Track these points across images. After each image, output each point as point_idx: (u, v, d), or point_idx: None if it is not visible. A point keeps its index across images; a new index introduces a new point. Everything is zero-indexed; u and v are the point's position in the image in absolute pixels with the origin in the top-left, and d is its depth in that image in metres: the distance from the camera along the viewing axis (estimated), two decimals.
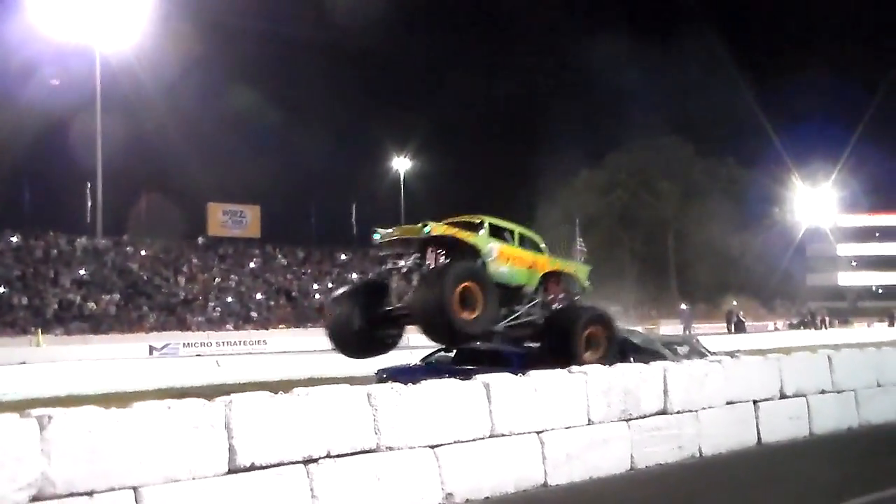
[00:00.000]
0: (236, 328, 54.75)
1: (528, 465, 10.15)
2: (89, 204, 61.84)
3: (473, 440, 9.74)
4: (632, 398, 11.53)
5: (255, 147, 65.24)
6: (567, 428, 10.66)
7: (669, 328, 58.14)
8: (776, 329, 76.10)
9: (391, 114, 74.63)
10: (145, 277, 57.73)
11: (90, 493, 7.12)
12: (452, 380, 10.09)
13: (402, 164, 79.04)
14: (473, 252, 16.29)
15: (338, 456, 8.61)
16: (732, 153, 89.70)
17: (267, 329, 54.57)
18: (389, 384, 9.73)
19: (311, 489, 8.33)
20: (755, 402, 13.35)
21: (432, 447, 9.36)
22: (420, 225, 16.17)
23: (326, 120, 74.39)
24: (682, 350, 17.77)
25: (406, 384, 9.68)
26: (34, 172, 61.73)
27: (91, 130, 57.99)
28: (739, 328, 68.43)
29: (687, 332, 54.93)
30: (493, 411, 10.00)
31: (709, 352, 17.86)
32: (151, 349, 46.13)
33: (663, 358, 15.28)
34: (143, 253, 61.20)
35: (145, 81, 59.19)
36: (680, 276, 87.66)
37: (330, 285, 63.75)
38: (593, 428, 10.94)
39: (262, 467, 8.12)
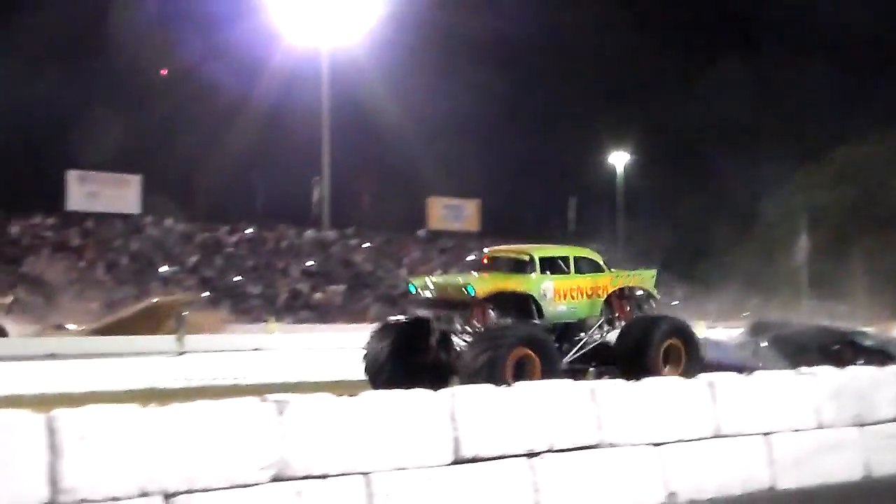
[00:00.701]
0: None
1: (754, 467, 9.86)
2: (316, 198, 63.90)
3: (697, 439, 9.53)
4: (865, 402, 10.97)
5: (474, 142, 65.79)
6: (795, 431, 10.29)
7: None
8: None
9: (610, 108, 73.81)
10: (368, 269, 59.33)
11: (324, 477, 7.37)
12: (677, 378, 9.93)
13: (619, 159, 78.11)
14: (526, 300, 15.21)
15: (560, 451, 8.61)
16: None
17: None
18: (612, 380, 9.66)
19: (534, 482, 8.36)
20: None
21: (655, 445, 9.22)
22: (459, 283, 15.30)
23: (544, 115, 74.35)
24: None
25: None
26: (267, 168, 64.24)
27: (318, 128, 59.93)
28: None
29: None
30: (717, 411, 9.77)
31: None
32: None
33: None
34: (366, 245, 62.92)
35: (370, 79, 60.65)
36: None
37: None
38: (823, 432, 10.49)
39: (485, 459, 8.20)
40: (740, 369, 11.49)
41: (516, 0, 66.53)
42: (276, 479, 7.14)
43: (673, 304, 69.11)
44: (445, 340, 15.35)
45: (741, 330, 23.26)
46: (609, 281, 16.26)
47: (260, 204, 65.10)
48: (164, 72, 62.60)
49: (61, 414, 6.43)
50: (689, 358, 15.28)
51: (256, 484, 7.05)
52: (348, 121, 61.06)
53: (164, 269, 54.64)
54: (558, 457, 8.56)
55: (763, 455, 9.95)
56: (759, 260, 66.04)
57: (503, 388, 8.69)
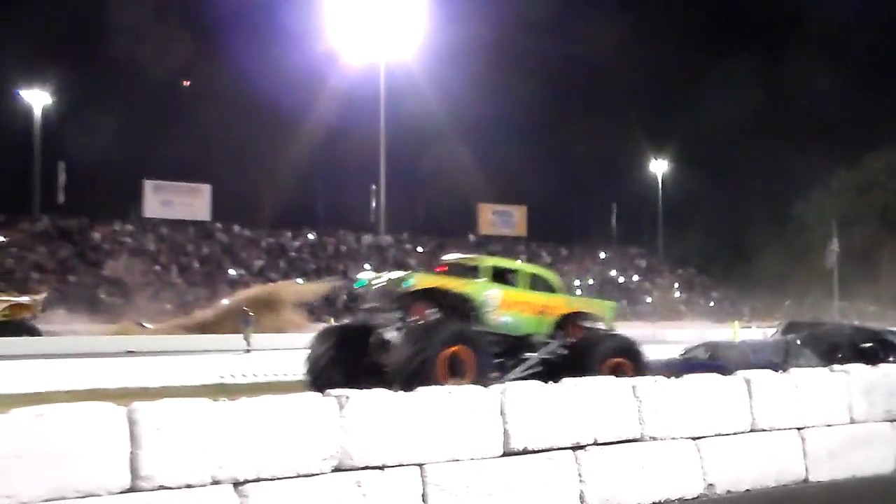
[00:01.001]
0: None
1: (788, 460, 9.74)
2: (373, 204, 64.24)
3: (734, 433, 9.43)
4: None
5: (523, 152, 65.79)
6: (828, 426, 10.14)
7: None
8: None
9: (651, 118, 73.47)
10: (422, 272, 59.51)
11: (382, 468, 7.39)
12: (714, 374, 9.84)
13: (659, 167, 77.66)
14: (468, 303, 14.34)
15: (604, 444, 8.57)
16: None
17: None
18: (653, 377, 9.60)
19: (579, 474, 8.33)
20: None
21: (694, 439, 9.14)
22: (401, 277, 14.46)
23: (589, 125, 74.06)
24: None
25: (668, 377, 9.53)
26: (327, 176, 64.71)
27: (376, 139, 60.26)
28: None
29: None
30: (753, 406, 9.65)
31: None
32: None
33: None
34: (419, 249, 63.08)
35: (423, 93, 60.89)
36: None
37: (591, 281, 63.57)
38: (855, 427, 10.33)
39: (533, 451, 8.17)
40: (775, 367, 11.36)
41: (560, 16, 66.36)
42: (337, 470, 7.17)
43: (709, 305, 68.74)
44: (385, 343, 14.25)
45: (775, 329, 23.02)
46: (562, 303, 15.51)
47: (321, 211, 65.57)
48: (188, 83, 63.08)
49: (140, 406, 6.51)
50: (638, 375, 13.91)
51: (319, 474, 7.08)
52: (403, 132, 61.36)
53: (232, 272, 55.15)
54: (602, 449, 8.52)
55: (797, 449, 9.83)
56: (791, 262, 65.35)
57: (549, 384, 8.66)
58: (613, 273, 70.27)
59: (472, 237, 68.67)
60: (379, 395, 7.67)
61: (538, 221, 71.42)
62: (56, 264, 51.23)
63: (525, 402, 8.28)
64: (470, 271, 15.05)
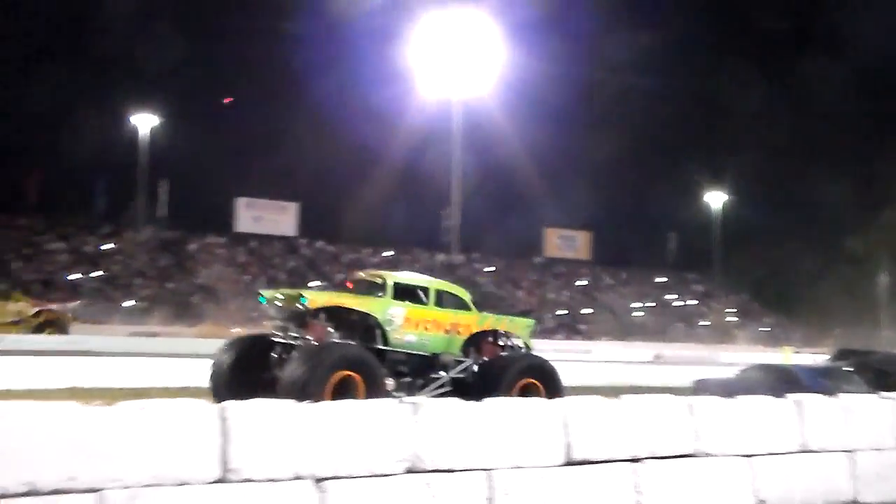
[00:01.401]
0: (566, 338, 55.15)
1: (837, 480, 9.49)
2: (447, 225, 64.41)
3: (785, 453, 9.23)
4: None
5: (588, 179, 65.52)
6: (876, 449, 9.89)
7: None
8: None
9: (708, 150, 72.67)
10: (491, 290, 59.45)
11: (450, 471, 7.38)
12: (766, 396, 9.67)
13: (715, 198, 76.55)
14: (368, 321, 13.28)
15: (660, 458, 8.45)
16: None
17: (592, 340, 54.54)
18: (708, 396, 9.46)
19: (636, 485, 8.23)
20: None
21: (746, 456, 8.96)
22: (295, 294, 13.16)
23: (650, 157, 73.57)
24: None
25: (722, 397, 9.39)
26: (404, 198, 65.06)
27: (450, 163, 60.59)
28: None
29: None
30: (804, 428, 9.45)
31: None
32: None
33: None
34: (489, 269, 63.10)
35: (496, 124, 61.06)
36: None
37: (650, 304, 63.01)
38: None
39: (593, 462, 8.09)
40: (826, 391, 11.12)
41: (622, 50, 65.99)
42: (409, 472, 7.19)
43: (762, 330, 67.48)
44: (282, 360, 13.09)
45: (826, 356, 22.53)
46: (474, 321, 14.24)
47: (397, 230, 66.00)
48: (229, 100, 63.77)
49: (231, 405, 6.61)
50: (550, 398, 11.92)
51: (392, 474, 7.10)
52: (476, 158, 61.65)
53: (314, 284, 55.68)
54: (659, 463, 8.40)
55: (846, 470, 9.59)
56: (842, 292, 63.91)
57: (610, 399, 8.57)
58: (670, 297, 69.40)
59: (538, 259, 68.49)
60: (450, 402, 7.68)
61: (602, 247, 71.03)
62: (156, 271, 52.28)
63: (587, 415, 8.21)
64: (374, 287, 13.83)
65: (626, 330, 57.92)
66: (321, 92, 59.78)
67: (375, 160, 61.33)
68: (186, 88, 58.81)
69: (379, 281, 13.84)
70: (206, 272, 53.18)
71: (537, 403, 8.13)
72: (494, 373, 13.46)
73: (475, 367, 13.99)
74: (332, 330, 13.08)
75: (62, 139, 54.30)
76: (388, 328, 13.30)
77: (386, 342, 13.38)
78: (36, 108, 54.13)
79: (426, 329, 13.66)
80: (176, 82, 58.46)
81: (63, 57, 59.73)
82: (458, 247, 63.55)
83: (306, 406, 6.94)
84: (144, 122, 58.17)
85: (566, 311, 60.63)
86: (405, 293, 13.73)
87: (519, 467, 7.69)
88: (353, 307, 13.25)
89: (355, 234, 62.75)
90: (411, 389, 13.15)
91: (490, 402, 7.91)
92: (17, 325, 33.65)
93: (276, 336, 13.35)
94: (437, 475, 7.31)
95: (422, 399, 7.55)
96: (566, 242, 70.61)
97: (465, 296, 14.45)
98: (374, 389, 12.08)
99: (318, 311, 12.93)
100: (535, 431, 7.88)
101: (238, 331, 14.30)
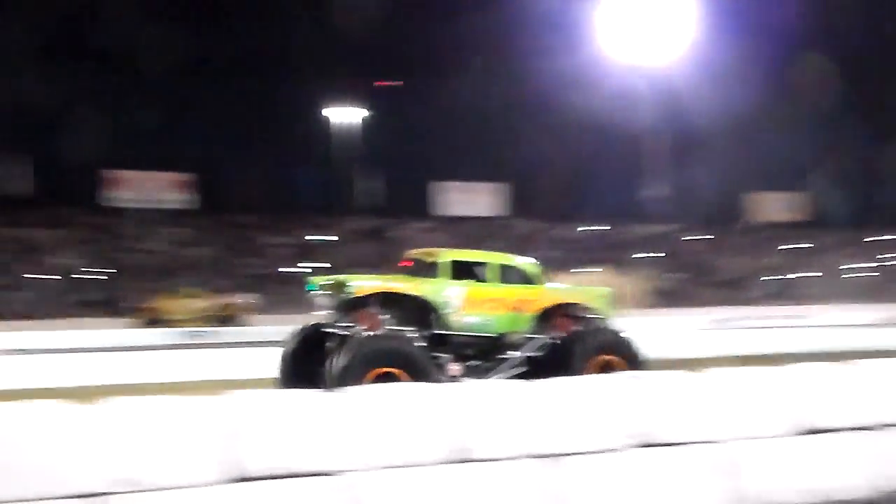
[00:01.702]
0: (781, 304, 53.21)
1: None
2: (650, 195, 63.31)
3: None
4: None
5: (799, 140, 62.51)
6: None
7: None
8: None
9: None
10: (702, 259, 58.54)
11: (679, 444, 7.31)
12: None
13: None
14: (424, 306, 12.26)
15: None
16: None
17: (807, 304, 52.33)
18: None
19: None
20: None
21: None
22: (342, 281, 12.18)
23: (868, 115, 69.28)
24: None
25: None
26: (607, 170, 64.26)
27: (652, 130, 59.59)
28: None
29: None
30: None
31: None
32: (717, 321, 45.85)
33: None
34: (694, 237, 62.14)
35: (691, 88, 59.40)
36: None
37: (870, 265, 60.05)
38: None
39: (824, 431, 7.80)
40: None
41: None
42: (640, 446, 7.16)
43: None
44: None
45: None
46: (541, 295, 13.04)
47: (602, 203, 65.39)
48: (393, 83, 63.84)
49: (461, 389, 6.80)
50: None
51: (620, 449, 7.11)
52: (680, 126, 60.29)
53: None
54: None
55: None
56: None
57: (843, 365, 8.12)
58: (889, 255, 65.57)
59: (746, 223, 66.29)
60: (673, 375, 7.58)
61: (816, 208, 67.74)
62: (368, 258, 54.19)
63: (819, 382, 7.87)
64: (428, 268, 12.78)
65: (846, 293, 55.14)
66: (519, 67, 60.20)
67: (575, 132, 61.06)
68: (388, 74, 60.65)
69: (432, 260, 12.81)
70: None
71: (764, 373, 7.88)
72: (567, 350, 12.44)
73: (549, 344, 12.95)
74: (385, 317, 12.20)
75: (273, 136, 57.38)
76: (445, 311, 12.33)
77: (445, 326, 12.42)
78: (249, 112, 57.41)
79: (489, 308, 12.64)
80: (377, 70, 60.36)
81: (272, 52, 62.53)
82: (667, 216, 62.49)
83: (534, 383, 7.03)
84: (350, 114, 60.53)
85: (779, 276, 58.47)
86: (463, 271, 12.73)
87: (754, 438, 7.49)
88: (405, 292, 12.27)
89: (560, 210, 62.67)
90: (480, 373, 12.34)
91: (713, 373, 7.74)
92: (204, 318, 36.40)
93: (329, 326, 12.45)
94: (666, 448, 7.25)
95: (644, 372, 7.48)
96: (777, 205, 68.04)
97: (533, 269, 13.31)
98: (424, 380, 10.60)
99: (368, 297, 12.10)
100: (763, 402, 7.66)
101: None
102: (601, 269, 51.52)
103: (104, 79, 56.70)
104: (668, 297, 50.89)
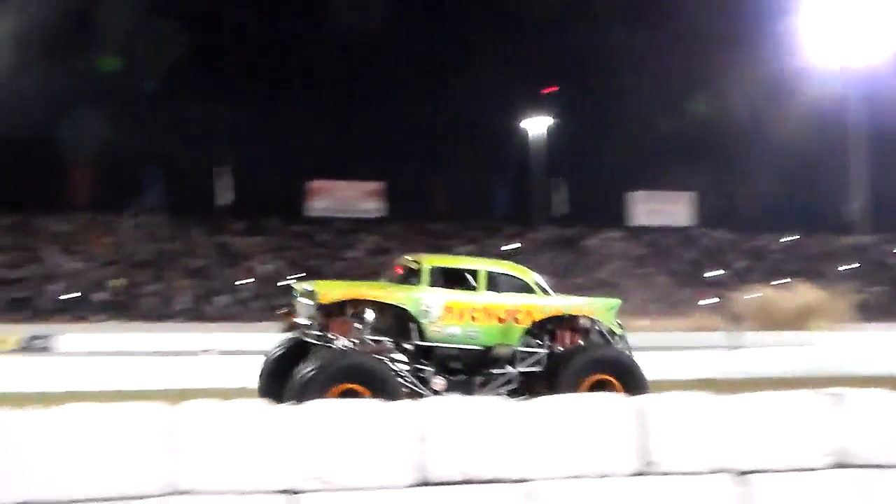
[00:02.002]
0: None
1: None
2: (852, 204, 60.27)
3: None
4: None
5: None
6: None
7: None
8: None
9: None
10: None
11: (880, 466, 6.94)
12: None
13: None
14: (400, 315, 11.43)
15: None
16: None
17: None
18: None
19: None
20: None
21: None
22: (310, 287, 11.43)
23: None
24: None
25: None
26: (802, 180, 61.73)
27: (850, 137, 56.69)
28: None
29: None
30: None
31: None
32: None
33: None
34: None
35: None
36: None
37: None
38: None
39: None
40: None
41: None
42: (837, 466, 6.83)
43: None
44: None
45: None
46: (536, 305, 11.97)
47: (795, 213, 62.89)
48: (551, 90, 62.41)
49: (648, 400, 6.69)
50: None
51: (816, 469, 6.80)
52: (878, 131, 57.19)
53: (709, 273, 54.70)
54: None
55: None
56: None
57: None
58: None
59: None
60: (879, 393, 7.18)
61: None
62: (556, 268, 54.05)
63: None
64: (412, 274, 11.97)
65: None
66: (708, 73, 58.84)
67: (768, 140, 59.08)
68: (573, 86, 60.55)
69: (415, 266, 11.99)
70: (607, 266, 54.11)
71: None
72: (557, 366, 11.52)
73: (544, 359, 12.04)
74: (358, 326, 11.43)
75: (462, 148, 58.44)
76: (423, 320, 11.49)
77: (425, 336, 11.59)
78: (438, 122, 58.83)
79: (474, 318, 11.68)
80: (563, 81, 60.37)
81: (453, 66, 63.60)
82: (868, 227, 59.17)
83: (722, 398, 6.85)
84: (538, 124, 60.72)
85: None
86: (447, 279, 11.88)
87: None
88: (376, 299, 11.51)
89: (754, 221, 60.68)
90: (469, 388, 11.48)
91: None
92: None
93: (305, 336, 11.73)
94: (867, 471, 6.89)
95: (843, 391, 7.11)
96: None
97: (529, 278, 12.24)
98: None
99: (341, 305, 11.42)
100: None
101: None
102: (789, 281, 49.52)
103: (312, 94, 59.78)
104: (870, 312, 48.19)
